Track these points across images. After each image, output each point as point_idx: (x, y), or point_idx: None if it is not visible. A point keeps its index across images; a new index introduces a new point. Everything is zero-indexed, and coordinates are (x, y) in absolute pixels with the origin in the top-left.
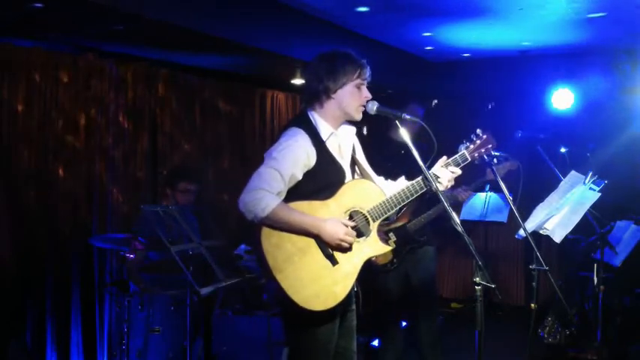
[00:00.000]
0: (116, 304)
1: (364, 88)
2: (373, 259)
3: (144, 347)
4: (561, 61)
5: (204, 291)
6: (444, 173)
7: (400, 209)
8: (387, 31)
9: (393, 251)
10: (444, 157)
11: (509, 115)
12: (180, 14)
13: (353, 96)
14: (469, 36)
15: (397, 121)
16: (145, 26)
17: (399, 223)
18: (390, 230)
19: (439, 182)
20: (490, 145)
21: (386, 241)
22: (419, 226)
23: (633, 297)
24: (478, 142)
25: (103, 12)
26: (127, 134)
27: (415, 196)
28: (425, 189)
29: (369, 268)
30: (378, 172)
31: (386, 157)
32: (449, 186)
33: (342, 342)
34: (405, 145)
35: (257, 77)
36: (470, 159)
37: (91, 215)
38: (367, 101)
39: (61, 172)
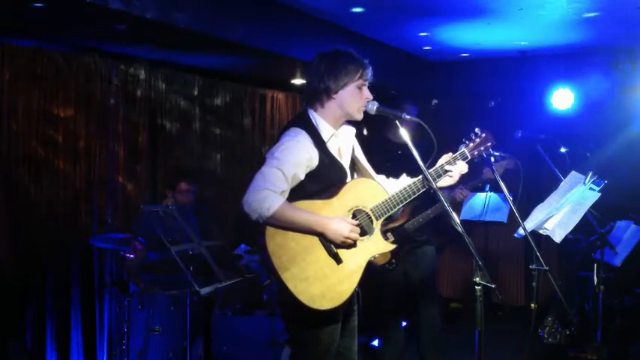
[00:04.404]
0: (116, 304)
1: (365, 89)
2: (372, 259)
3: (144, 347)
4: (561, 61)
5: (204, 291)
6: (456, 166)
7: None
8: (387, 31)
9: (392, 251)
10: (450, 154)
11: (509, 115)
12: (180, 14)
13: (354, 96)
14: (469, 36)
15: (397, 121)
16: (146, 26)
17: (397, 223)
18: (388, 230)
19: (449, 176)
20: (489, 144)
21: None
22: (417, 226)
23: (633, 297)
24: (477, 140)
25: (103, 12)
26: (127, 134)
27: (418, 193)
28: (427, 187)
29: (368, 268)
30: (379, 172)
31: (385, 158)
32: (457, 179)
33: (343, 342)
34: (402, 145)
35: (257, 77)
36: (470, 157)
37: (91, 215)
38: (367, 101)
39: (61, 172)
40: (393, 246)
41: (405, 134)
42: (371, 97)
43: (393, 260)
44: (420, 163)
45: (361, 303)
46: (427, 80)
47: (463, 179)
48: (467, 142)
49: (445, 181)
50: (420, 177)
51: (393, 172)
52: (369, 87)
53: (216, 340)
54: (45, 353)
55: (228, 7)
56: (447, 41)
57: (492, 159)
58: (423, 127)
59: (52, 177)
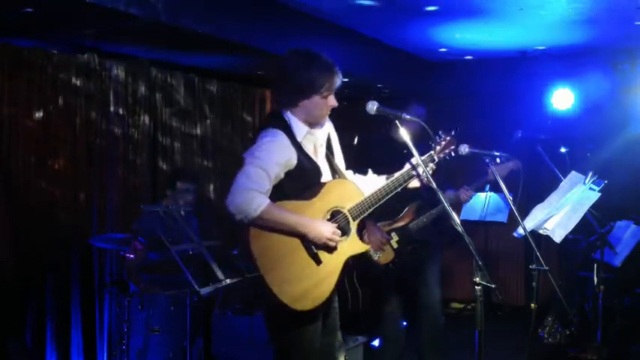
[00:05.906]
0: (116, 304)
1: (331, 97)
2: (375, 258)
3: (144, 347)
4: (561, 61)
5: (205, 291)
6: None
7: (402, 209)
8: (387, 31)
9: (395, 251)
10: (416, 156)
11: (509, 115)
12: (180, 14)
13: (317, 106)
14: (469, 36)
15: (397, 121)
16: (146, 26)
17: (402, 223)
18: (392, 230)
19: (421, 179)
20: (453, 146)
21: (387, 240)
22: (421, 226)
23: (633, 297)
24: (443, 143)
25: (103, 12)
26: (126, 134)
27: (391, 194)
28: (398, 189)
29: (369, 267)
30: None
31: (384, 158)
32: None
33: (324, 339)
34: (402, 145)
35: (257, 77)
36: (437, 159)
37: (91, 215)
38: (367, 101)
39: (61, 172)
40: (368, 247)
41: (405, 134)
42: (336, 105)
43: (396, 260)
44: (422, 164)
45: (362, 302)
46: (427, 80)
47: (467, 180)
48: (433, 146)
49: (413, 183)
50: (394, 178)
51: (360, 170)
52: (370, 86)
53: (216, 340)
54: (45, 353)
55: (228, 6)
56: (447, 41)
57: (498, 160)
58: (423, 127)
59: (52, 177)
